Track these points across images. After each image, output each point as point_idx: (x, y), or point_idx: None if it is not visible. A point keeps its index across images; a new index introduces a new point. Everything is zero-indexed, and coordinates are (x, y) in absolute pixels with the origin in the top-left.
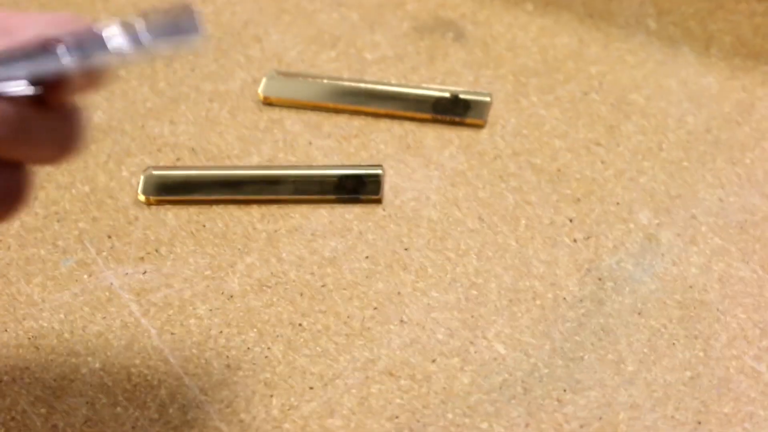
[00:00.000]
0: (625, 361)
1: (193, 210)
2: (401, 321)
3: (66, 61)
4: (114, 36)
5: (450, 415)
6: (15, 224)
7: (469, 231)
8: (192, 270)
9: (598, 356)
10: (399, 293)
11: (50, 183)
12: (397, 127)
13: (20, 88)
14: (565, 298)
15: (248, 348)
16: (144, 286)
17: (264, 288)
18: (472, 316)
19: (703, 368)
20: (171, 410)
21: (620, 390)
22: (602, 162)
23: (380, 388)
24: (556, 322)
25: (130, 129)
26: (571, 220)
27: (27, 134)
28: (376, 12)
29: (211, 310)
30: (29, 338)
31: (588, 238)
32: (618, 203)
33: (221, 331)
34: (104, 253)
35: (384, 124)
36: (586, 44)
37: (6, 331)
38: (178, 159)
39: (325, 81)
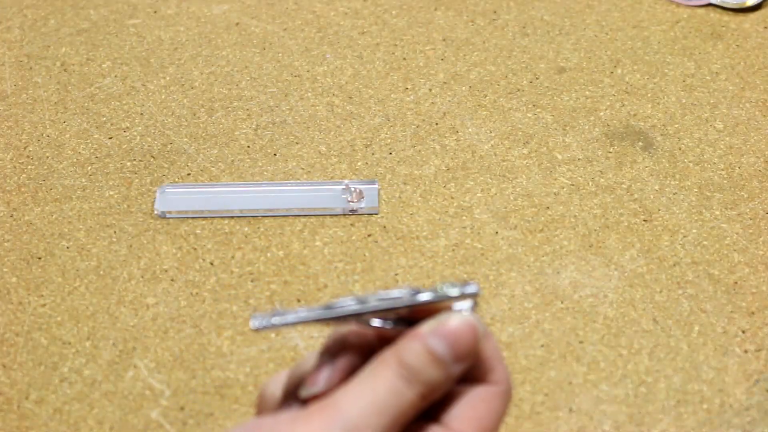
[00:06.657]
0: None
1: None
2: (570, 410)
3: None
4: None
5: None
6: (211, 280)
7: (643, 331)
8: None
9: None
10: (570, 383)
11: (247, 245)
12: (582, 226)
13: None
14: (731, 405)
15: None
16: None
17: None
18: (639, 413)
19: None
20: None
21: None
22: None
23: None
24: (720, 426)
25: None
26: (743, 332)
27: None
28: (570, 116)
29: None
30: (215, 386)
31: (759, 350)
32: None
33: None
34: None
35: (568, 221)
36: None
37: (194, 378)
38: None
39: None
